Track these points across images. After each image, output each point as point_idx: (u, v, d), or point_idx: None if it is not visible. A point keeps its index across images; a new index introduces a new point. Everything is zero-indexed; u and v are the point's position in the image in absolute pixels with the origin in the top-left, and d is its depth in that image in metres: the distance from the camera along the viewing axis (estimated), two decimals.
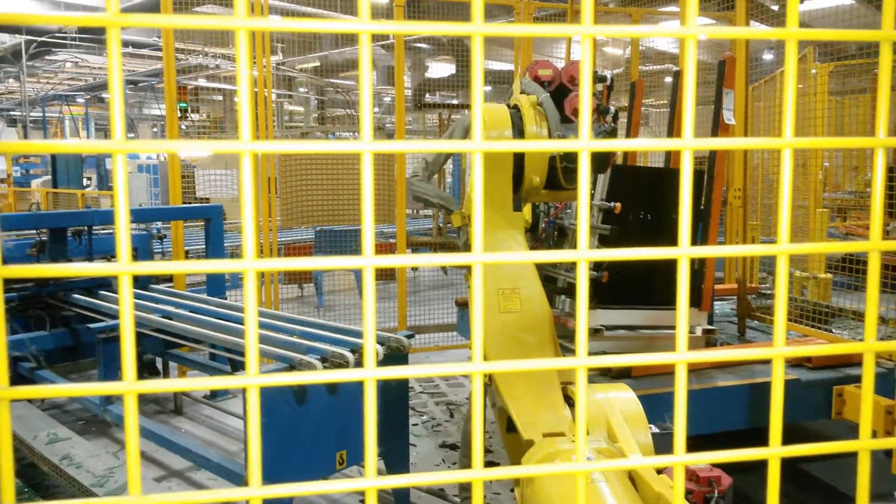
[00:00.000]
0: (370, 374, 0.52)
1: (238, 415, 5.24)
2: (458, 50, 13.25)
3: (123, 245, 0.49)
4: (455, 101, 14.01)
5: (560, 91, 2.62)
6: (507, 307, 2.42)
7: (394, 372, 0.54)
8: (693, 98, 0.55)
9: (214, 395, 5.67)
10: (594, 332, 3.66)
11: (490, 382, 2.41)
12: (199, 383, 0.51)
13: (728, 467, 2.60)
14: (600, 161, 2.67)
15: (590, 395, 2.32)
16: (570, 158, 2.53)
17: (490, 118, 2.52)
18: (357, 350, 3.54)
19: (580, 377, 0.55)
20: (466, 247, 2.64)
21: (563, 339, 4.12)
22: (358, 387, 3.57)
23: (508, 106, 2.63)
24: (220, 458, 3.78)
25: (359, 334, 3.82)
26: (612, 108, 2.63)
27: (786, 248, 0.54)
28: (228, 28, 0.50)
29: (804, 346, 0.56)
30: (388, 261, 0.53)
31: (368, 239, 0.53)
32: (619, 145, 0.60)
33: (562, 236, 4.01)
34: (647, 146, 0.61)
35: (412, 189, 2.83)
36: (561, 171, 2.55)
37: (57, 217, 5.95)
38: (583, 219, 0.53)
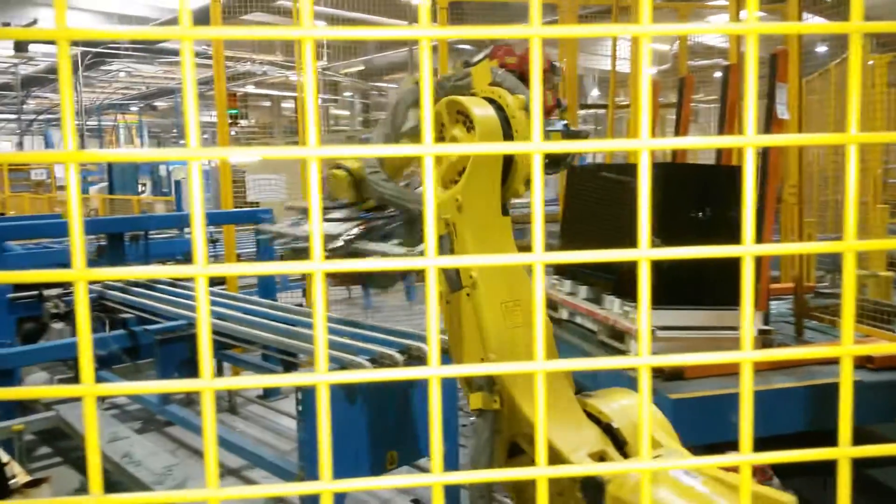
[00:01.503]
0: (435, 372, 0.53)
1: (289, 414, 5.33)
2: None
3: (200, 248, 0.51)
4: None
5: (521, 80, 2.36)
6: (514, 322, 2.21)
7: (456, 370, 0.55)
8: (755, 93, 0.55)
9: (267, 394, 5.78)
10: None
11: (501, 407, 2.18)
12: (271, 381, 0.53)
13: (783, 471, 2.53)
14: (557, 160, 2.41)
15: (615, 404, 2.19)
16: (552, 165, 2.36)
17: (485, 128, 2.18)
18: (405, 351, 3.57)
19: (643, 377, 0.55)
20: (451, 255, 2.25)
21: (612, 340, 4.08)
22: (407, 388, 3.60)
23: (469, 92, 2.34)
24: (274, 457, 3.86)
25: (406, 335, 3.85)
26: (563, 102, 2.43)
27: (853, 245, 0.53)
28: (294, 38, 0.52)
29: (873, 343, 0.55)
30: (449, 261, 0.54)
31: (431, 240, 0.54)
32: (676, 143, 0.59)
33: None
34: (705, 144, 0.60)
35: (377, 189, 2.37)
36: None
37: (115, 222, 6.16)
38: (643, 216, 0.53)
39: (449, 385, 3.72)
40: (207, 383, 0.50)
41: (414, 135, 2.54)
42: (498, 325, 2.16)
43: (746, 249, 0.53)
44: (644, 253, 0.52)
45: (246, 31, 0.52)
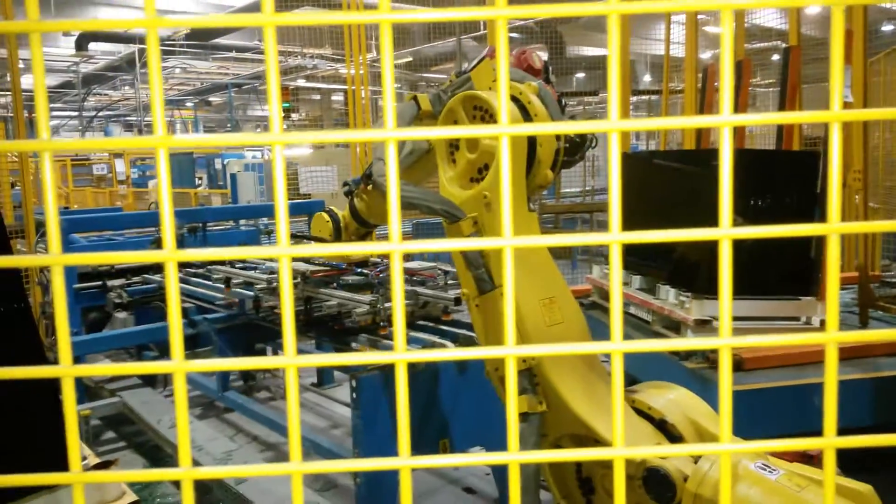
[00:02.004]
0: (511, 352, 0.54)
1: (343, 402, 5.42)
2: (550, 37, 13.09)
3: (283, 229, 0.52)
4: None
5: None
6: (553, 319, 2.16)
7: (533, 350, 0.55)
8: (840, 67, 0.53)
9: (321, 383, 5.89)
10: (702, 324, 3.54)
11: (547, 409, 2.10)
12: (352, 358, 0.54)
13: (854, 467, 2.45)
14: (576, 147, 2.35)
15: (662, 398, 2.13)
16: (571, 151, 2.28)
17: (509, 118, 2.13)
18: (456, 340, 3.60)
19: (724, 359, 0.54)
20: (481, 257, 2.19)
21: (667, 330, 4.01)
22: (458, 378, 3.62)
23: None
24: (329, 443, 3.93)
25: (456, 324, 3.88)
26: (562, 101, 2.39)
27: None
28: (373, 22, 0.53)
29: None
30: (527, 241, 0.55)
31: (508, 221, 0.55)
32: (756, 118, 0.58)
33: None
34: (787, 118, 0.59)
35: (401, 193, 2.13)
36: (560, 164, 2.32)
37: (175, 215, 6.32)
38: (725, 193, 0.52)
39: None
40: (291, 360, 0.51)
41: (418, 152, 2.53)
42: (537, 324, 2.11)
43: (831, 227, 0.51)
44: (725, 231, 0.51)
45: (324, 16, 0.54)
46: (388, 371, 3.32)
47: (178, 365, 0.52)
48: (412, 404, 3.54)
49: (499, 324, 2.17)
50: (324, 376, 5.98)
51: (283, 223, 0.52)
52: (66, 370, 0.54)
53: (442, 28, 14.30)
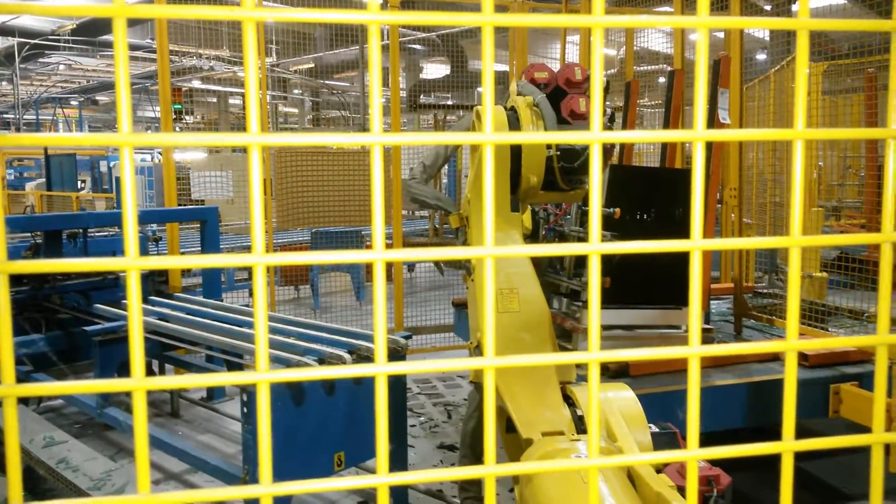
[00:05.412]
0: (382, 370, 0.52)
1: (234, 417, 5.22)
2: (451, 51, 13.25)
3: (131, 240, 0.48)
4: (450, 102, 14.02)
5: (556, 93, 2.63)
6: (506, 307, 2.45)
7: (404, 367, 0.54)
8: (705, 89, 0.55)
9: (211, 396, 5.65)
10: None
11: None
12: (207, 380, 0.51)
13: (725, 466, 2.59)
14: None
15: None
16: (568, 158, 2.54)
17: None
18: (354, 351, 3.53)
19: (592, 372, 0.54)
20: (465, 244, 2.69)
21: (560, 339, 4.12)
22: (355, 388, 3.55)
23: (505, 108, 2.68)
24: (218, 460, 3.76)
25: (355, 335, 3.81)
26: (609, 111, 2.70)
27: (799, 240, 0.54)
28: (235, 18, 0.49)
29: (816, 339, 0.56)
30: (399, 254, 0.53)
31: (379, 234, 0.53)
32: (627, 136, 0.59)
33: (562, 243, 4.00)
34: (655, 138, 0.60)
35: (410, 191, 2.94)
36: (558, 171, 2.56)
37: (52, 219, 5.92)
38: (595, 211, 0.52)
39: (397, 384, 3.69)
40: (138, 382, 0.47)
41: (443, 156, 3.17)
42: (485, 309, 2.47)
43: (695, 244, 0.53)
44: (595, 247, 0.51)
45: (183, 10, 0.50)
46: (282, 384, 3.22)
47: (8, 389, 0.46)
48: (305, 417, 3.46)
49: (473, 302, 2.72)
50: (214, 389, 5.74)
51: (131, 233, 0.48)
52: None
53: (344, 35, 14.17)
